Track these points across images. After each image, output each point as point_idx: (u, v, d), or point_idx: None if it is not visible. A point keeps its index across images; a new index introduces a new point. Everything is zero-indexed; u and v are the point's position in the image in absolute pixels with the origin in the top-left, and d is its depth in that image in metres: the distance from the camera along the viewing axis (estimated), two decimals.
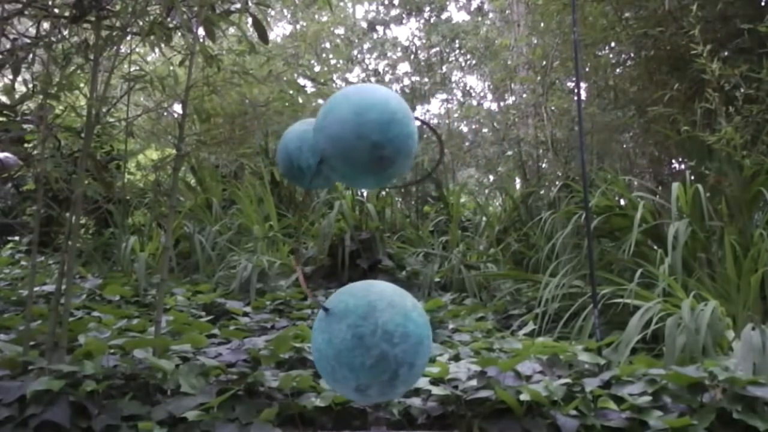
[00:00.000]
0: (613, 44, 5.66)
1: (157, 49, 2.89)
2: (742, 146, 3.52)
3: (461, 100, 11.74)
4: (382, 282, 1.66)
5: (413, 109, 9.26)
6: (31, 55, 2.85)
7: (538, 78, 6.79)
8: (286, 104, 5.95)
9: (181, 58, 3.01)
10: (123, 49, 3.54)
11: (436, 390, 2.19)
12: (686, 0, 4.46)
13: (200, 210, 5.54)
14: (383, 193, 5.92)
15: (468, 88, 12.01)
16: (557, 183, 5.67)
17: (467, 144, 9.65)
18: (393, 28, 11.95)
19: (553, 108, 6.31)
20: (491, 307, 4.07)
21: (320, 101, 7.28)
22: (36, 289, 3.45)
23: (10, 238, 6.05)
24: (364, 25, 11.60)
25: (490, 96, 11.54)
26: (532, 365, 2.38)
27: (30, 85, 2.88)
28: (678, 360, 2.53)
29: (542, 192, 5.73)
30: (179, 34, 2.90)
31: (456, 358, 2.66)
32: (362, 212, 5.20)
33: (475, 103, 11.60)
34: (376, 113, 1.57)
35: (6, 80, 3.29)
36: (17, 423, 2.02)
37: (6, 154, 3.99)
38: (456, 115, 10.80)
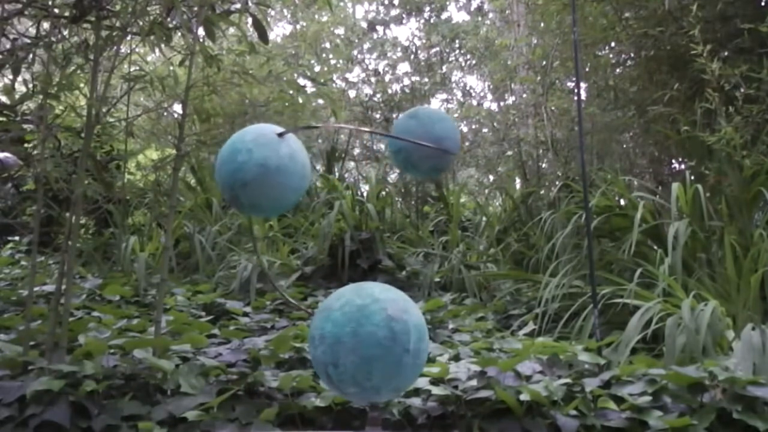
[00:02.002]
0: (613, 44, 5.65)
1: (157, 49, 2.89)
2: (742, 146, 3.51)
3: (461, 100, 11.73)
4: (348, 285, 1.67)
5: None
6: (31, 55, 2.85)
7: (538, 78, 6.79)
8: (286, 104, 5.95)
9: (181, 58, 3.01)
10: (123, 49, 3.54)
11: (436, 390, 2.18)
12: (686, 0, 4.46)
13: (200, 210, 5.55)
14: (383, 193, 5.92)
15: (468, 88, 12.01)
16: (557, 183, 5.67)
17: (467, 144, 9.64)
18: (393, 28, 11.94)
19: (553, 108, 6.31)
20: (491, 307, 4.07)
21: (320, 101, 7.28)
22: (36, 289, 3.44)
23: (10, 238, 6.05)
24: (364, 25, 11.58)
25: (490, 96, 11.53)
26: (532, 365, 2.38)
27: (30, 85, 2.88)
28: (678, 360, 2.53)
29: (542, 192, 5.73)
30: (179, 34, 2.90)
31: (456, 358, 2.66)
32: (362, 212, 5.20)
33: (475, 103, 11.59)
34: (219, 161, 1.77)
35: (6, 80, 3.29)
36: (17, 423, 2.02)
37: (6, 154, 3.99)
38: (456, 115, 10.80)
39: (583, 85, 5.92)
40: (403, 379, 1.60)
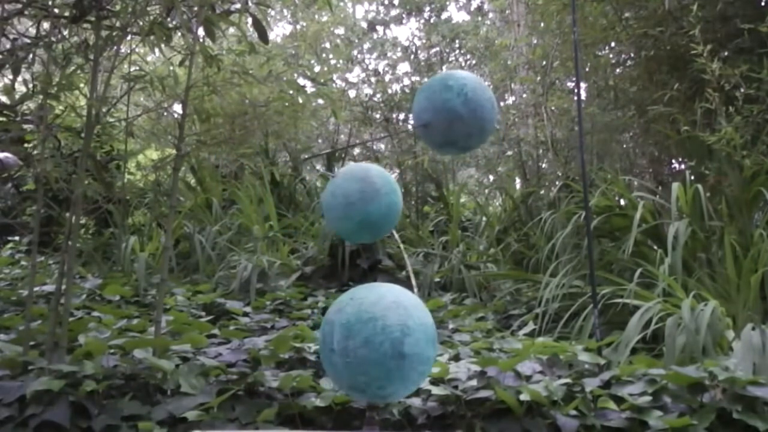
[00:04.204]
0: (613, 44, 5.65)
1: (157, 49, 2.89)
2: (742, 146, 3.51)
3: None
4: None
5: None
6: (31, 55, 2.85)
7: (538, 78, 6.79)
8: (286, 104, 5.96)
9: (181, 58, 3.01)
10: (123, 49, 3.54)
11: (436, 390, 2.19)
12: (686, 0, 4.47)
13: (200, 210, 5.55)
14: None
15: None
16: (557, 183, 5.67)
17: None
18: (393, 28, 11.94)
19: (553, 108, 6.31)
20: (491, 307, 4.07)
21: (320, 101, 7.28)
22: (36, 289, 3.45)
23: (10, 238, 6.05)
24: (364, 25, 11.58)
25: None
26: (532, 365, 2.38)
27: (30, 85, 2.88)
28: (678, 360, 2.53)
29: (542, 192, 5.73)
30: (179, 34, 2.90)
31: (456, 358, 2.66)
32: None
33: None
34: None
35: (6, 80, 3.29)
36: (17, 423, 2.02)
37: (6, 154, 4.00)
38: None
39: (583, 85, 5.92)
40: (346, 379, 1.59)
